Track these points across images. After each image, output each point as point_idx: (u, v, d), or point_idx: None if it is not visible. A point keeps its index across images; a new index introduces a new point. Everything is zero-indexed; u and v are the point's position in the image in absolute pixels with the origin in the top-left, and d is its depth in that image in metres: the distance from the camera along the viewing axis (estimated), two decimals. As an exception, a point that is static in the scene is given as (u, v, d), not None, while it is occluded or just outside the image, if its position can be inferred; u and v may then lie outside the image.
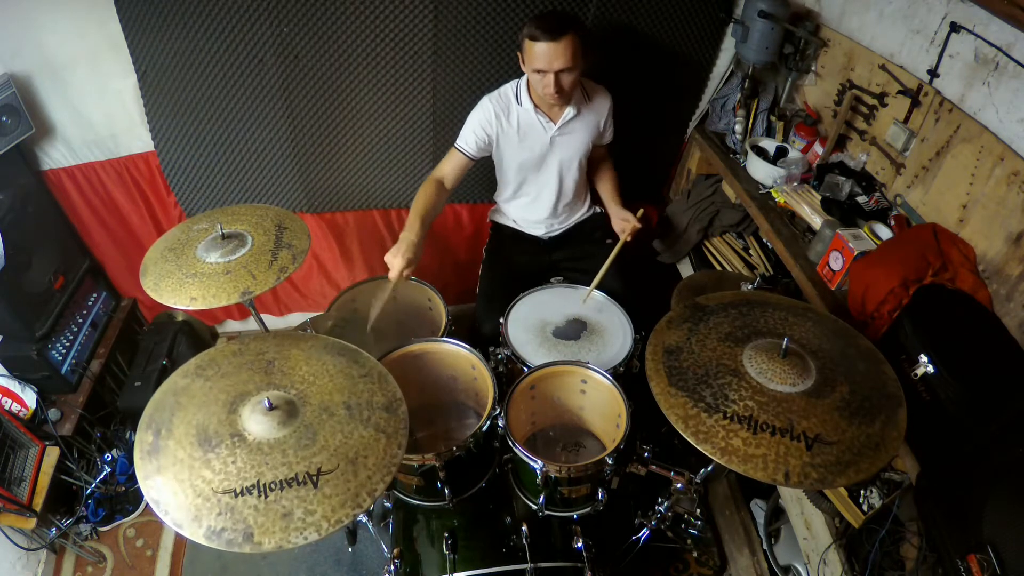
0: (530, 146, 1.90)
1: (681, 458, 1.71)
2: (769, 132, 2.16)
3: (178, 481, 1.04)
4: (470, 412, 1.83)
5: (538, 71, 1.69)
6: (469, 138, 1.88)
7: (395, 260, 1.67)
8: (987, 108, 1.39)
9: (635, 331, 1.75)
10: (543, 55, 1.65)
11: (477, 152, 1.89)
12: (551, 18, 1.64)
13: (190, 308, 1.45)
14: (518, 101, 1.85)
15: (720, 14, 2.08)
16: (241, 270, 1.50)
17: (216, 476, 1.04)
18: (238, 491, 1.02)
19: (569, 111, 1.86)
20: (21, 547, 1.84)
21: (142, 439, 1.11)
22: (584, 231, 2.16)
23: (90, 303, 2.23)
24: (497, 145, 1.91)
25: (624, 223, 1.91)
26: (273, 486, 1.03)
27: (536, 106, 1.83)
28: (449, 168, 1.91)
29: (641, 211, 1.90)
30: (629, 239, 1.85)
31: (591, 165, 2.10)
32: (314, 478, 1.04)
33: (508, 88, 1.87)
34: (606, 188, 2.08)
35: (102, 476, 2.02)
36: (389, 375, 1.28)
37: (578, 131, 1.91)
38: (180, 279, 1.48)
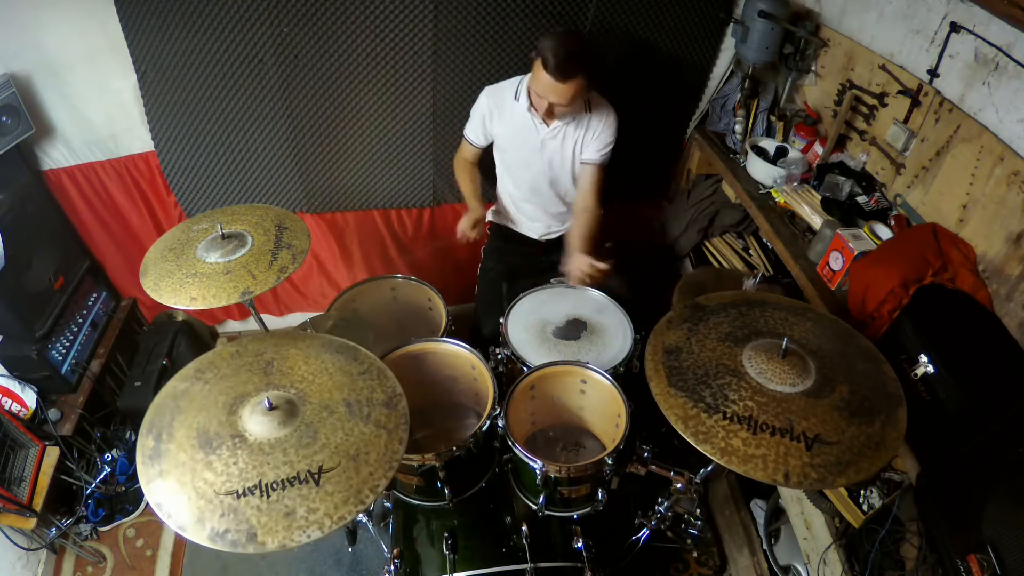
0: (521, 144, 1.90)
1: (681, 458, 1.70)
2: (769, 132, 2.16)
3: (180, 484, 1.04)
4: (470, 412, 1.83)
5: (537, 93, 1.72)
6: (473, 127, 1.94)
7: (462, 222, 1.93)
8: (987, 108, 1.39)
9: (635, 331, 1.75)
10: (544, 86, 1.67)
11: (483, 140, 1.95)
12: (563, 57, 1.60)
13: (190, 308, 1.45)
14: (516, 97, 1.85)
15: (720, 14, 2.08)
16: (241, 270, 1.50)
17: (218, 478, 1.04)
18: (240, 492, 1.02)
19: (564, 116, 1.85)
20: (21, 547, 1.84)
21: (143, 444, 1.11)
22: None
23: (90, 303, 2.23)
24: (494, 140, 1.93)
25: (578, 271, 1.77)
26: (275, 485, 1.03)
27: (531, 105, 1.83)
28: (467, 153, 2.00)
29: (608, 264, 1.74)
30: (583, 283, 1.80)
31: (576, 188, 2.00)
32: (316, 476, 1.05)
33: (510, 83, 1.87)
34: (575, 227, 1.90)
35: (102, 476, 2.02)
36: (388, 370, 1.28)
37: (569, 138, 1.88)
38: (180, 279, 1.48)
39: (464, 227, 1.95)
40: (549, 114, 1.76)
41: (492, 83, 1.91)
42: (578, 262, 1.79)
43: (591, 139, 1.88)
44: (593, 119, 1.87)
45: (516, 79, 1.87)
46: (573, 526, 1.56)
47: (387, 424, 1.16)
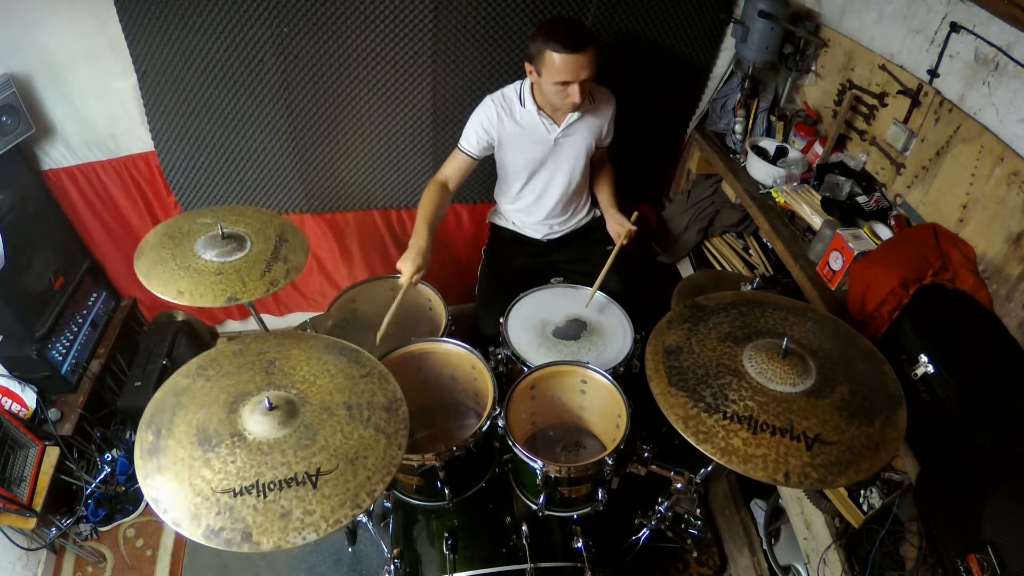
0: (533, 148, 1.90)
1: (681, 458, 1.71)
2: (769, 132, 2.16)
3: (178, 480, 1.04)
4: (470, 412, 1.83)
5: (563, 83, 1.67)
6: (471, 138, 1.88)
7: (405, 266, 1.71)
8: (987, 108, 1.39)
9: (635, 331, 1.75)
10: (570, 67, 1.63)
11: (480, 152, 1.90)
12: (572, 31, 1.61)
13: (176, 301, 1.44)
14: (521, 103, 1.84)
15: (720, 14, 2.08)
16: (233, 274, 1.49)
17: (216, 475, 1.04)
18: (237, 491, 1.02)
19: (573, 114, 1.85)
20: (21, 547, 1.84)
21: (143, 438, 1.11)
22: (583, 233, 2.15)
23: (90, 303, 2.23)
24: (500, 146, 1.91)
25: (619, 227, 1.91)
26: (272, 486, 1.03)
27: (539, 108, 1.83)
28: (452, 169, 1.93)
29: (636, 214, 1.90)
30: (625, 243, 1.85)
31: (590, 166, 2.10)
32: (313, 478, 1.04)
33: (511, 90, 1.87)
34: (603, 191, 2.08)
35: (102, 476, 2.02)
36: (390, 375, 1.28)
37: (581, 133, 1.90)
38: (172, 270, 1.46)
39: (407, 270, 1.69)
40: (584, 94, 1.71)
41: (492, 84, 1.92)
42: (619, 220, 1.93)
43: (609, 127, 1.95)
44: (599, 110, 1.90)
45: (514, 85, 1.86)
46: (573, 526, 1.56)
47: (387, 429, 1.16)
